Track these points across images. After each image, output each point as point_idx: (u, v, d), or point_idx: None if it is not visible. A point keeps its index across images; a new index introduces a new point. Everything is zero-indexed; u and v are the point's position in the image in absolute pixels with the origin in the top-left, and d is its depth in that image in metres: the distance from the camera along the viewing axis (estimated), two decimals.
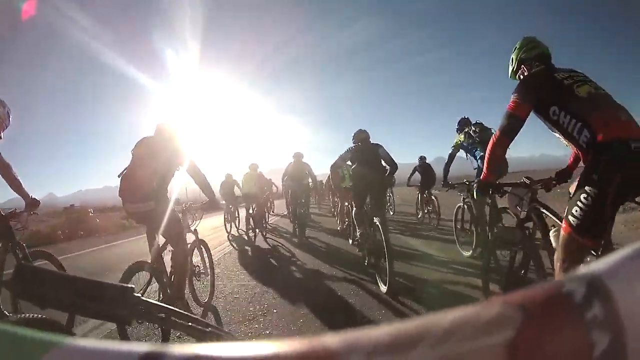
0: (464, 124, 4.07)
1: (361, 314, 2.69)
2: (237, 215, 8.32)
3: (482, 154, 3.48)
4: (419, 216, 7.90)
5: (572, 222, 1.44)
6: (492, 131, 3.13)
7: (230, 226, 8.03)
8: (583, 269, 0.21)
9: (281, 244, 6.43)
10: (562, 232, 1.51)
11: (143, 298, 0.36)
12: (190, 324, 0.40)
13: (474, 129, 3.77)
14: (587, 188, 1.40)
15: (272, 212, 13.23)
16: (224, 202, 8.05)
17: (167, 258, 2.57)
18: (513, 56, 1.89)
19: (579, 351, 0.18)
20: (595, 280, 0.20)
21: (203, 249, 3.01)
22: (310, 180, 6.84)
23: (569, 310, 0.19)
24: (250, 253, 5.89)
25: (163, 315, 0.38)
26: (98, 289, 0.34)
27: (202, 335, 0.40)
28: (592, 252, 1.51)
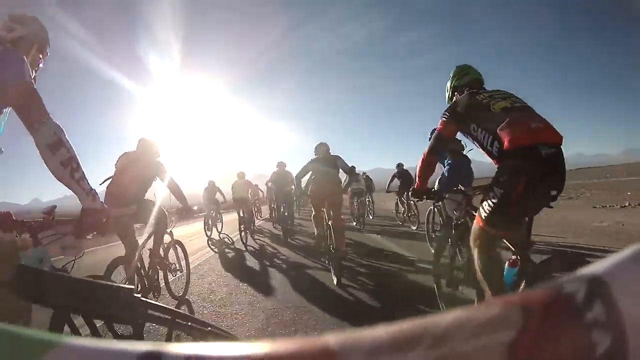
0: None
1: (318, 297, 3.19)
2: (219, 219, 8.56)
3: (449, 161, 3.90)
4: (399, 220, 8.37)
5: (482, 215, 1.63)
6: (462, 142, 3.36)
7: (211, 231, 8.24)
8: (584, 270, 0.21)
9: (266, 243, 7.15)
10: (474, 223, 1.72)
11: (143, 299, 0.36)
12: (190, 323, 0.40)
13: None
14: (495, 188, 1.57)
15: (260, 216, 13.37)
16: (195, 207, 8.56)
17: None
18: (448, 84, 2.08)
19: (580, 352, 0.18)
20: (595, 281, 0.20)
21: (178, 248, 3.34)
22: (293, 187, 7.45)
23: (570, 311, 0.19)
24: (233, 254, 6.24)
25: (162, 315, 0.38)
26: (99, 290, 0.33)
27: (202, 334, 0.40)
28: (505, 241, 1.73)
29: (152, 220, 2.76)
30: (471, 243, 1.73)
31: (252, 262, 5.25)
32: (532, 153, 1.47)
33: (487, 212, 1.59)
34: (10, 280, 0.34)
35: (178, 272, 3.27)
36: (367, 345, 0.17)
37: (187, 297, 3.29)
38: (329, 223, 3.92)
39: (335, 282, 3.51)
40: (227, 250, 6.60)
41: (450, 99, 2.04)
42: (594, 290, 0.20)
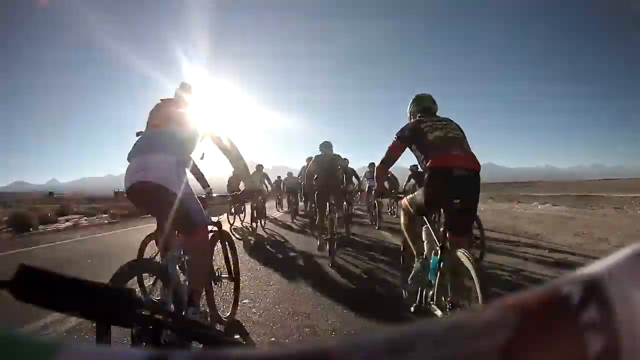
0: None
1: (317, 276, 3.88)
2: (243, 208, 8.92)
3: None
4: None
5: (408, 198, 2.33)
6: None
7: (234, 218, 8.53)
8: (580, 271, 0.21)
9: (275, 232, 7.84)
10: (403, 202, 2.40)
11: (144, 300, 0.36)
12: (190, 327, 0.40)
13: None
14: (416, 187, 2.44)
15: (281, 209, 13.38)
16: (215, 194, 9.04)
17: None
18: (408, 108, 2.59)
19: (576, 354, 0.18)
20: (592, 282, 0.20)
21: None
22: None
23: (566, 313, 0.19)
24: (252, 239, 6.96)
25: (164, 319, 0.38)
26: (100, 291, 0.33)
27: (203, 339, 0.40)
28: (432, 233, 2.25)
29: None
30: (401, 214, 2.46)
31: (260, 246, 6.07)
32: (445, 172, 2.02)
33: (409, 198, 2.31)
34: (9, 280, 0.34)
35: None
36: (365, 350, 0.17)
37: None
38: (331, 216, 4.47)
39: (330, 264, 4.20)
40: (249, 237, 7.17)
41: (410, 119, 2.54)
42: (590, 292, 0.20)
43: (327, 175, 4.77)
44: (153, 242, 2.71)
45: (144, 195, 1.87)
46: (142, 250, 2.72)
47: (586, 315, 0.19)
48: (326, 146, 5.05)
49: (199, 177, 3.67)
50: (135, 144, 1.96)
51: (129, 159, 1.92)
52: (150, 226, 3.20)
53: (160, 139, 1.94)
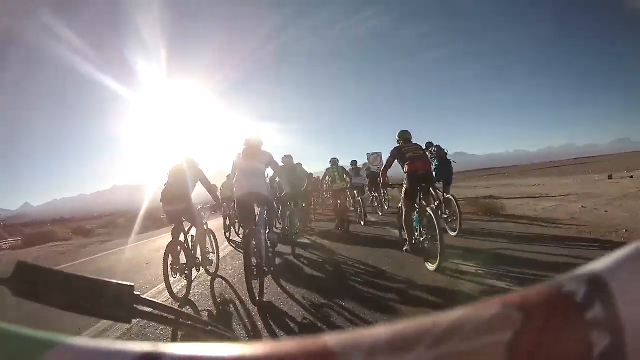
0: (428, 145, 6.42)
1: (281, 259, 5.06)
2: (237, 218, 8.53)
3: (436, 163, 6.05)
4: None
5: (402, 194, 4.15)
6: (445, 150, 6.21)
7: (230, 232, 7.86)
8: (583, 269, 0.21)
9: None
10: (402, 197, 4.17)
11: (142, 297, 0.36)
12: (189, 322, 0.39)
13: (433, 148, 6.35)
14: (404, 184, 4.10)
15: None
16: (200, 206, 8.14)
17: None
18: (396, 137, 4.39)
19: (580, 351, 0.18)
20: (595, 279, 0.20)
21: (211, 236, 4.47)
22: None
23: (570, 310, 0.19)
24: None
25: (162, 314, 0.38)
26: (98, 288, 0.33)
27: (201, 334, 0.40)
28: (416, 206, 4.02)
29: (195, 214, 3.96)
30: (401, 205, 4.21)
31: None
32: (415, 173, 3.91)
33: (403, 193, 4.11)
34: (8, 277, 0.33)
35: (211, 254, 4.36)
36: (367, 345, 0.17)
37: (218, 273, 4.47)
38: (288, 214, 5.87)
39: (291, 252, 5.30)
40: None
41: (397, 142, 4.32)
42: (593, 289, 0.20)
43: (293, 183, 5.71)
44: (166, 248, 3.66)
45: (252, 198, 3.52)
46: (166, 256, 3.55)
47: (590, 313, 0.19)
48: (287, 158, 6.33)
49: (212, 192, 4.48)
50: (242, 169, 3.56)
51: (237, 179, 3.55)
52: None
53: (255, 169, 3.57)
